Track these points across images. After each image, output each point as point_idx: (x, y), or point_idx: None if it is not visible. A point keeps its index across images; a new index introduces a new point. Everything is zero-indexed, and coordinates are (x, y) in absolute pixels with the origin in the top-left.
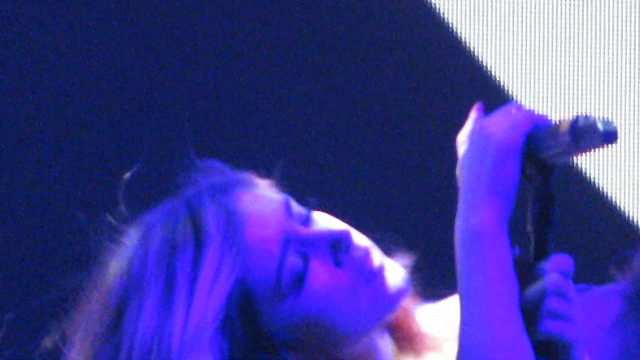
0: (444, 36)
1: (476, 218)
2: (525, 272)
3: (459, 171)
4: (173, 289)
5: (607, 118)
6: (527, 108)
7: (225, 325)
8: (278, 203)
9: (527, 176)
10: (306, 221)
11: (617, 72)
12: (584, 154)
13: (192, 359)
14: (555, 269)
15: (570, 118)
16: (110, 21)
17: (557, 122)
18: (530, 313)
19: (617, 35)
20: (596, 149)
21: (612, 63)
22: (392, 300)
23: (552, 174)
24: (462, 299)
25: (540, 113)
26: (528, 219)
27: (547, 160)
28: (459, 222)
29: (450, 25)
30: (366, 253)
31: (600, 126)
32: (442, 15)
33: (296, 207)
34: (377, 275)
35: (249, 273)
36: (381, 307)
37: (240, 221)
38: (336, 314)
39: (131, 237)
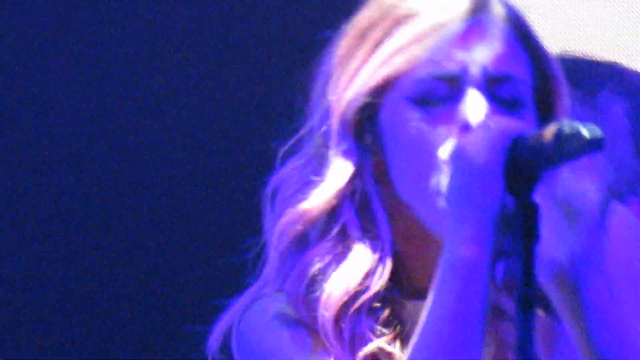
0: None
1: (462, 251)
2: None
3: (445, 197)
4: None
5: (593, 124)
6: (504, 120)
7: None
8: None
9: (511, 189)
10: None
11: None
12: (569, 161)
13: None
14: None
15: (555, 125)
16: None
17: (542, 130)
18: None
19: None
20: (581, 156)
21: None
22: None
23: (535, 184)
24: (428, 319)
25: (518, 123)
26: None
27: (531, 170)
28: (446, 250)
29: None
30: None
31: (585, 132)
32: None
33: None
34: None
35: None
36: None
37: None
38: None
39: None
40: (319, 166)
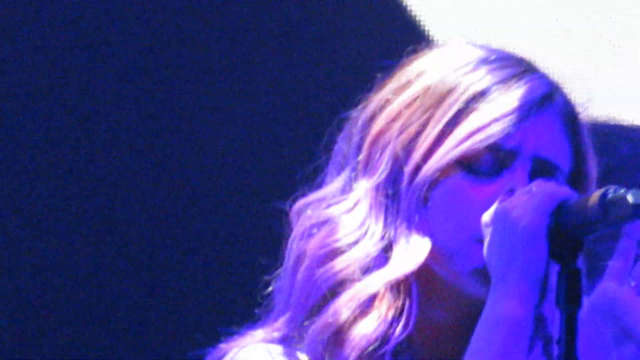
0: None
1: (505, 308)
2: None
3: (487, 257)
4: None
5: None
6: (550, 183)
7: None
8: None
9: (555, 254)
10: None
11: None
12: (614, 228)
13: None
14: None
15: (600, 190)
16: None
17: (586, 196)
18: None
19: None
20: (627, 223)
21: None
22: None
23: (580, 250)
24: None
25: (564, 187)
26: (554, 297)
27: (575, 236)
28: (489, 307)
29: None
30: None
31: (630, 198)
32: (418, 19)
33: None
34: None
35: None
36: None
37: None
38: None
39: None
40: (372, 216)
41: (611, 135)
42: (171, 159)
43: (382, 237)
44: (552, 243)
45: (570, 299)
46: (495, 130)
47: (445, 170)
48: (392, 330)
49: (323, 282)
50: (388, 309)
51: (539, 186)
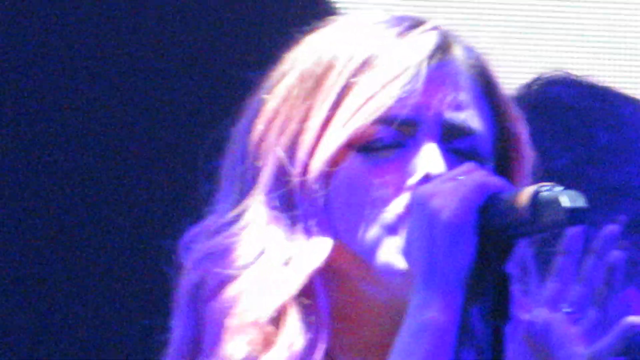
0: None
1: (427, 314)
2: None
3: (404, 253)
4: None
5: (576, 192)
6: (479, 172)
7: None
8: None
9: (482, 255)
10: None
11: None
12: (544, 232)
13: None
14: None
15: (532, 188)
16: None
17: (517, 192)
18: None
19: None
20: (558, 228)
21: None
22: None
23: (509, 253)
24: None
25: (494, 178)
26: (477, 309)
27: (504, 237)
28: (410, 312)
29: None
30: None
31: (564, 201)
32: None
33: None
34: None
35: None
36: None
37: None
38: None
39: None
40: (267, 233)
41: (588, 121)
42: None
43: (281, 253)
44: (480, 242)
45: (497, 308)
46: (384, 98)
47: (337, 159)
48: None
49: (218, 317)
50: (295, 334)
51: (466, 173)
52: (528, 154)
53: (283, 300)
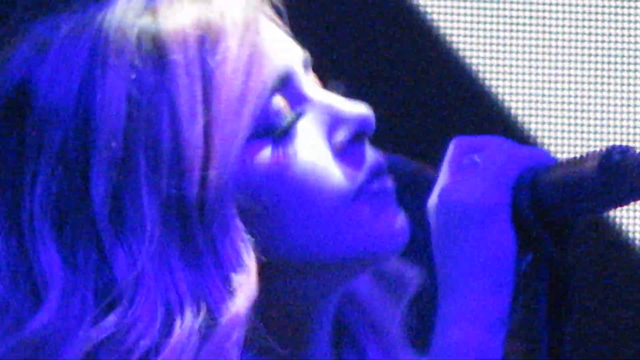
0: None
1: (467, 326)
2: None
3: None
4: None
5: None
6: (515, 144)
7: None
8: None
9: (531, 243)
10: None
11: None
12: (619, 204)
13: None
14: None
15: (598, 151)
16: None
17: (574, 159)
18: None
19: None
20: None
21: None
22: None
23: (568, 238)
24: None
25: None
26: (529, 309)
27: (559, 216)
28: (440, 334)
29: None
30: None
31: None
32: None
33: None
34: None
35: None
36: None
37: None
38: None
39: None
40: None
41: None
42: None
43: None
44: (525, 228)
45: (558, 315)
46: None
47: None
48: None
49: None
50: None
51: (501, 145)
52: None
53: None
